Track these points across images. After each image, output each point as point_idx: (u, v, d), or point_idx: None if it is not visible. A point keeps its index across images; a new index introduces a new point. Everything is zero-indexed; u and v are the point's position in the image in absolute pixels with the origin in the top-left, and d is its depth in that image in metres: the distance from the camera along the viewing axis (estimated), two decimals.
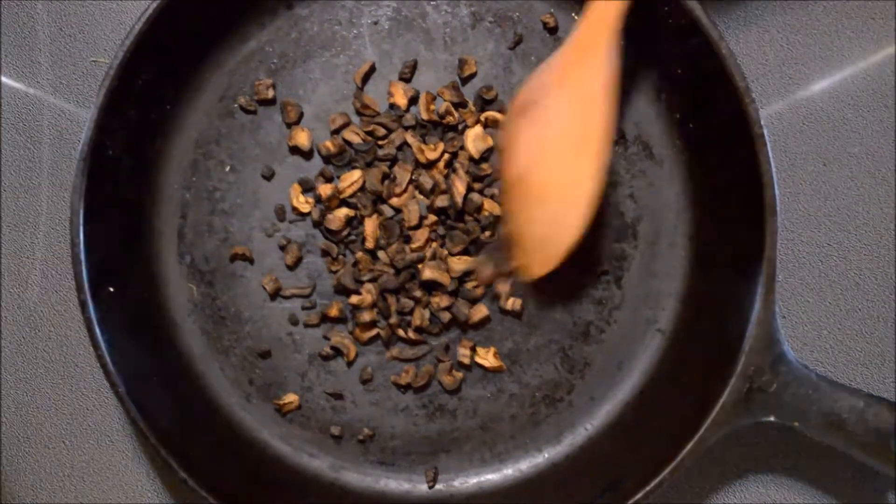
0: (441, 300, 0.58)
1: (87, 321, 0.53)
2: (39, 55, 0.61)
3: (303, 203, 0.58)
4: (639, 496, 0.52)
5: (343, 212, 0.58)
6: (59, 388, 0.60)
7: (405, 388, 0.58)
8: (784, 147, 0.60)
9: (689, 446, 0.52)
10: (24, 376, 0.60)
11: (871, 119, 0.59)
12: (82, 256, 0.53)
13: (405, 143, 0.58)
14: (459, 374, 0.58)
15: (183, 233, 0.59)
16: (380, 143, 0.59)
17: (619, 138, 0.59)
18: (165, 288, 0.59)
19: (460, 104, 0.58)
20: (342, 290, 0.58)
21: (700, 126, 0.57)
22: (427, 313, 0.58)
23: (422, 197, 0.58)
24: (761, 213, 0.52)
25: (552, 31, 0.59)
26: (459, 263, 0.57)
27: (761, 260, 0.52)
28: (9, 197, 0.61)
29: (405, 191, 0.58)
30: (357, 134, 0.58)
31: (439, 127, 0.59)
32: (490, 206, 0.58)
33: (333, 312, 0.58)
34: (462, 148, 0.58)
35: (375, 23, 0.60)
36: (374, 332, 0.58)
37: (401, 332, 0.58)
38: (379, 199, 0.58)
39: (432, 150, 0.58)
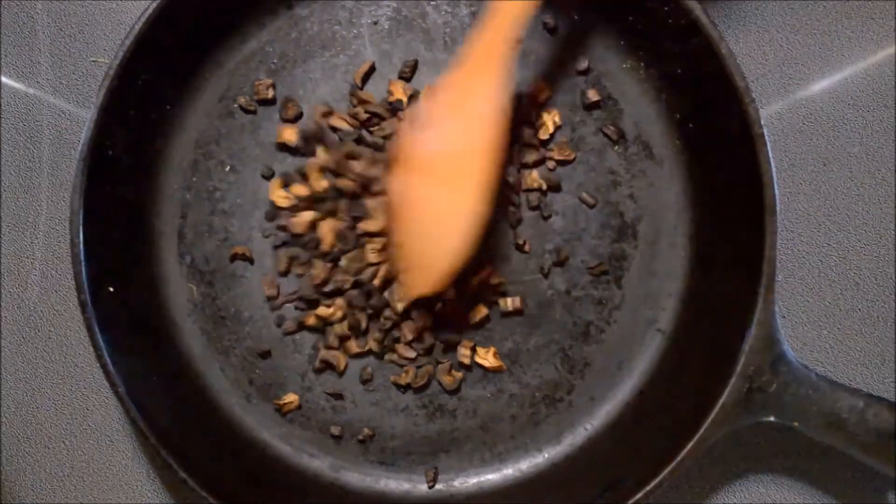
0: (422, 321, 0.57)
1: (87, 321, 0.53)
2: (39, 55, 0.61)
3: (282, 198, 0.58)
4: (639, 496, 0.52)
5: (308, 215, 0.58)
6: (59, 388, 0.60)
7: (405, 388, 0.58)
8: (784, 147, 0.60)
9: (689, 446, 0.52)
10: (24, 376, 0.60)
11: (871, 119, 0.59)
12: (82, 256, 0.53)
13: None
14: (459, 374, 0.58)
15: (183, 233, 0.59)
16: (370, 129, 0.58)
17: (620, 138, 0.59)
18: (165, 288, 0.59)
19: None
20: (306, 301, 0.58)
21: (700, 126, 0.57)
22: (412, 328, 0.57)
23: None
24: (761, 213, 0.52)
25: (552, 31, 0.59)
26: None
27: (761, 260, 0.52)
28: (9, 197, 0.61)
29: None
30: (343, 119, 0.58)
31: None
32: None
33: (311, 321, 0.58)
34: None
35: (375, 23, 0.60)
36: (363, 349, 0.58)
37: (389, 357, 0.58)
38: (352, 196, 0.57)
39: None
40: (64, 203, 0.60)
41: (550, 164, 0.58)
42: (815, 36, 0.60)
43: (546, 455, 0.58)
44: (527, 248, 0.58)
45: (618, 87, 0.59)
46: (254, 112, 0.59)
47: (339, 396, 0.59)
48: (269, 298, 0.58)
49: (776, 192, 0.52)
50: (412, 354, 0.58)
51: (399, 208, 0.53)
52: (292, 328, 0.58)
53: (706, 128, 0.56)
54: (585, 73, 0.59)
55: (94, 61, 0.61)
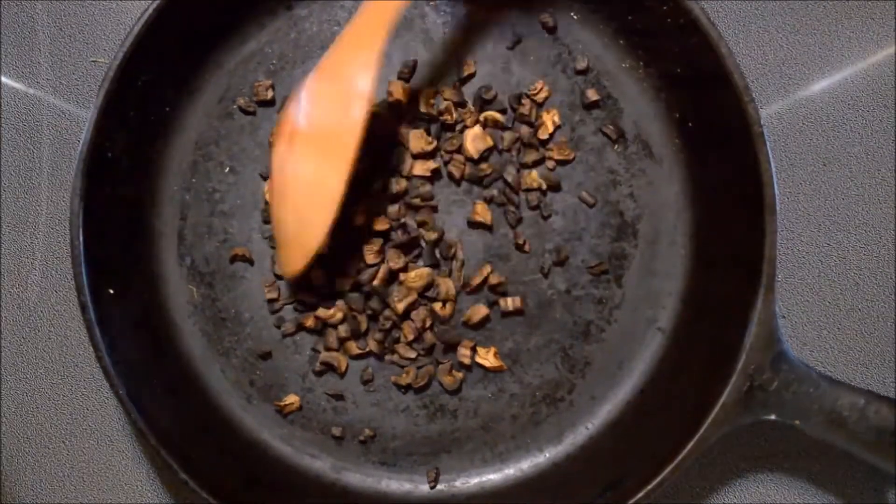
0: (422, 319, 0.58)
1: (88, 323, 0.53)
2: (39, 55, 0.61)
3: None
4: (640, 495, 0.52)
5: None
6: (59, 388, 0.60)
7: (406, 388, 0.58)
8: (784, 147, 0.60)
9: (689, 445, 0.52)
10: (24, 376, 0.60)
11: (871, 119, 0.59)
12: (82, 258, 0.53)
13: (396, 138, 0.58)
14: (460, 374, 0.58)
15: (183, 234, 0.59)
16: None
17: (619, 137, 0.59)
18: (165, 289, 0.59)
19: (460, 104, 0.58)
20: (305, 304, 0.58)
21: (699, 125, 0.57)
22: (412, 329, 0.57)
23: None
24: (761, 212, 0.52)
25: (551, 30, 0.59)
26: (417, 279, 0.57)
27: (761, 258, 0.52)
28: (9, 197, 0.61)
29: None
30: None
31: (436, 124, 0.59)
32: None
33: (310, 323, 0.58)
34: (458, 150, 0.58)
35: None
36: (363, 350, 0.58)
37: (390, 357, 0.58)
38: None
39: (429, 143, 0.58)
40: (64, 203, 0.60)
41: (550, 163, 0.59)
42: (815, 36, 0.60)
43: (547, 455, 0.58)
44: (527, 247, 0.58)
45: (617, 86, 0.59)
46: (253, 113, 0.59)
47: (339, 397, 0.58)
48: (270, 301, 0.58)
49: (776, 190, 0.52)
50: (412, 355, 0.58)
51: (273, 183, 0.55)
52: (291, 330, 0.58)
53: (705, 127, 0.56)
54: (584, 72, 0.59)
55: (94, 61, 0.61)
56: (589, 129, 0.59)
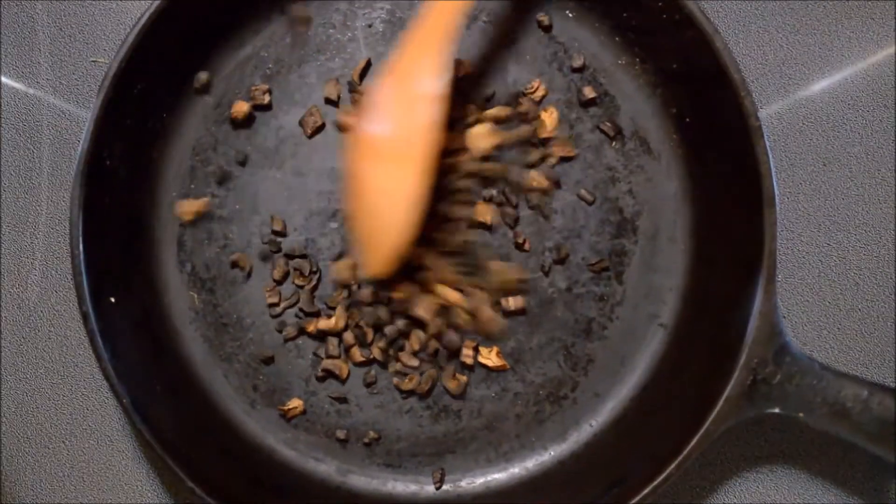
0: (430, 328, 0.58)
1: (90, 332, 0.53)
2: (39, 55, 0.61)
3: None
4: (646, 491, 0.52)
5: None
6: (59, 388, 0.60)
7: (409, 392, 0.58)
8: (784, 147, 0.60)
9: (694, 440, 0.52)
10: (24, 376, 0.60)
11: (871, 119, 0.59)
12: (83, 267, 0.53)
13: None
14: (464, 378, 0.58)
15: (182, 241, 0.59)
16: None
17: (617, 134, 0.59)
18: (166, 296, 0.59)
19: (461, 102, 0.58)
20: (305, 312, 0.58)
21: (697, 120, 0.57)
22: (419, 338, 0.57)
23: None
24: (760, 205, 0.52)
25: (546, 29, 0.59)
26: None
27: (761, 252, 0.52)
28: (9, 197, 0.61)
29: None
30: (349, 114, 0.59)
31: None
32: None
33: (311, 328, 0.58)
34: (464, 149, 0.58)
35: (370, 25, 0.60)
36: (367, 358, 0.58)
37: (393, 367, 0.58)
38: None
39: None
40: (64, 203, 0.60)
41: (552, 160, 0.58)
42: (815, 36, 0.60)
43: (552, 453, 0.58)
44: (527, 246, 0.58)
45: (613, 83, 0.59)
46: (250, 118, 0.59)
47: (343, 400, 0.58)
48: (271, 305, 0.58)
49: (774, 182, 0.52)
50: (415, 363, 0.58)
51: (352, 189, 0.54)
52: (293, 334, 0.58)
53: (703, 122, 0.56)
54: (581, 70, 0.59)
55: (94, 61, 0.61)
56: (586, 127, 0.59)
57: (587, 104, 0.59)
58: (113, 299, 0.55)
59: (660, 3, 0.54)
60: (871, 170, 0.59)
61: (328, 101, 0.59)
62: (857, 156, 0.59)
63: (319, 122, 0.59)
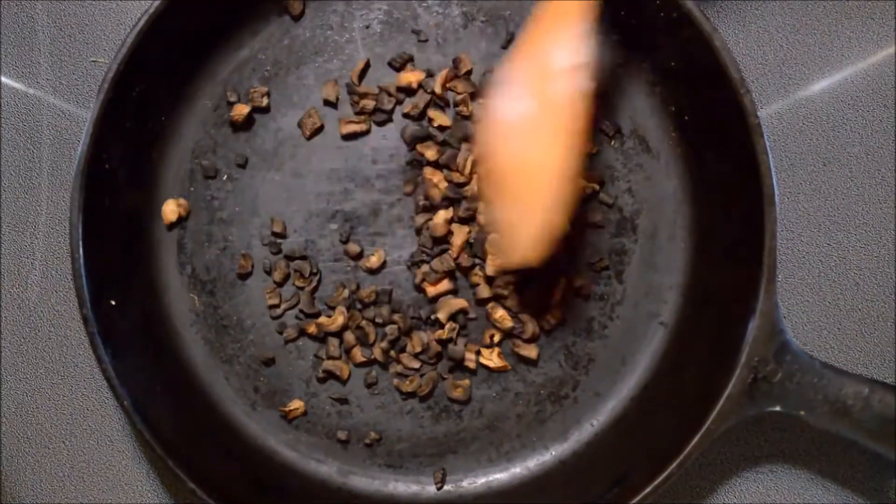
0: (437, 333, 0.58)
1: (91, 336, 0.53)
2: (39, 55, 0.61)
3: None
4: (647, 490, 0.52)
5: None
6: (59, 388, 0.60)
7: (410, 394, 0.58)
8: (784, 147, 0.60)
9: (695, 439, 0.52)
10: (24, 376, 0.60)
11: (871, 119, 0.59)
12: (83, 270, 0.53)
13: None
14: (467, 382, 0.58)
15: (182, 243, 0.59)
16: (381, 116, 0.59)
17: (615, 133, 0.59)
18: (167, 298, 0.59)
19: (477, 94, 0.58)
20: (305, 314, 0.58)
21: (696, 118, 0.57)
22: (420, 340, 0.58)
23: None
24: (760, 203, 0.52)
25: None
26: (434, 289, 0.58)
27: (762, 250, 0.52)
28: (9, 197, 0.61)
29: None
30: (353, 122, 0.59)
31: (449, 108, 0.59)
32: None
33: (311, 329, 0.58)
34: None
35: (367, 26, 0.60)
36: (368, 359, 0.58)
37: (394, 368, 0.58)
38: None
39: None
40: (64, 203, 0.60)
41: None
42: (815, 36, 0.60)
43: (553, 452, 0.58)
44: None
45: (612, 82, 0.59)
46: (249, 120, 0.59)
47: (344, 401, 0.58)
48: (271, 307, 0.58)
49: (774, 181, 0.52)
50: (416, 364, 0.58)
51: (492, 177, 0.52)
52: (293, 335, 0.58)
53: (702, 120, 0.56)
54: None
55: (94, 61, 0.61)
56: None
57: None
58: (113, 302, 0.55)
59: (658, 2, 0.54)
60: (871, 170, 0.59)
61: (327, 102, 0.59)
62: (857, 156, 0.59)
63: (318, 124, 0.59)
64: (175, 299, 0.59)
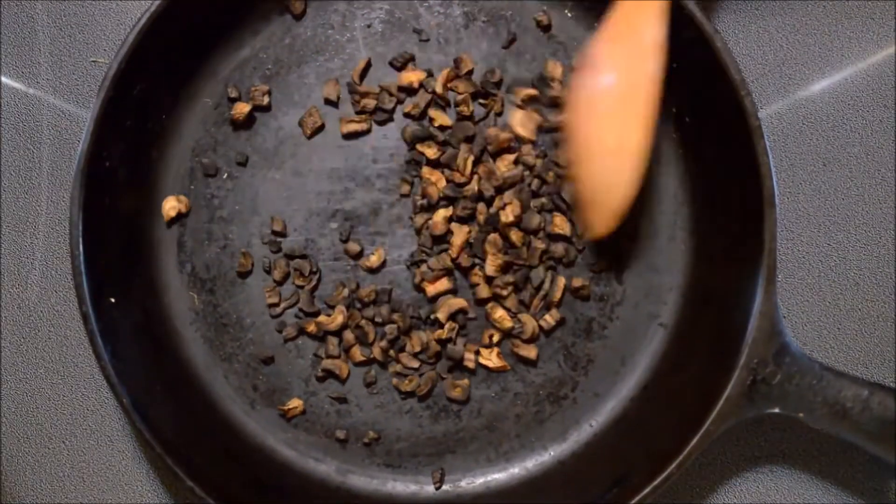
0: (438, 333, 0.58)
1: (90, 333, 0.53)
2: (39, 55, 0.61)
3: None
4: (646, 491, 0.52)
5: None
6: (59, 388, 0.60)
7: (409, 394, 0.58)
8: (784, 147, 0.60)
9: (694, 440, 0.52)
10: (24, 376, 0.60)
11: (871, 119, 0.59)
12: (83, 268, 0.53)
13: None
14: (466, 382, 0.58)
15: (182, 241, 0.59)
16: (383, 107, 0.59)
17: None
18: (166, 296, 0.59)
19: (480, 94, 0.58)
20: (305, 312, 0.59)
21: (697, 119, 0.57)
22: (420, 340, 0.57)
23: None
24: (760, 205, 0.52)
25: (545, 29, 0.59)
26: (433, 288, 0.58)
27: (761, 251, 0.52)
28: (9, 197, 0.61)
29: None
30: (354, 122, 0.59)
31: (450, 108, 0.59)
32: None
33: (311, 328, 0.58)
34: (484, 151, 0.58)
35: (369, 26, 0.60)
36: (367, 358, 0.58)
37: (393, 367, 0.58)
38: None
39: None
40: (64, 203, 0.60)
41: None
42: (815, 36, 0.60)
43: (552, 453, 0.58)
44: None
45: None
46: (250, 119, 0.59)
47: (343, 400, 0.58)
48: (271, 305, 0.58)
49: (774, 182, 0.52)
50: (416, 364, 0.58)
51: (575, 147, 0.54)
52: (293, 334, 0.58)
53: (703, 121, 0.56)
54: None
55: (94, 61, 0.61)
56: None
57: None
58: (113, 300, 0.55)
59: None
60: (871, 170, 0.59)
61: (328, 101, 0.59)
62: (857, 156, 0.59)
63: (319, 123, 0.59)
64: (175, 298, 0.59)
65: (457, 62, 0.59)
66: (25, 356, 0.60)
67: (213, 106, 0.59)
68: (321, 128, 0.59)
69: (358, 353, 0.58)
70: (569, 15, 0.59)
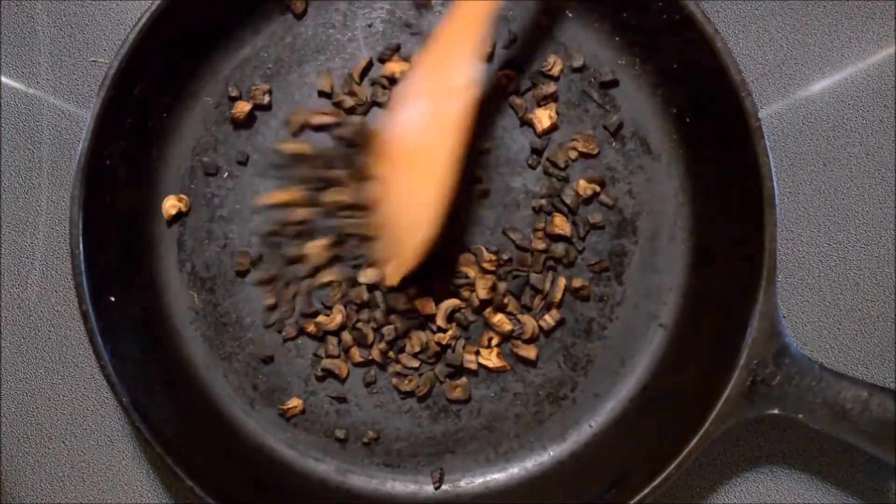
0: (437, 336, 0.58)
1: (90, 332, 0.53)
2: (39, 55, 0.61)
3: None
4: (645, 492, 0.52)
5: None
6: (59, 388, 0.60)
7: (408, 394, 0.58)
8: (784, 147, 0.60)
9: (694, 441, 0.52)
10: (24, 376, 0.60)
11: (871, 119, 0.59)
12: (83, 267, 0.53)
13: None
14: (465, 382, 0.58)
15: (182, 240, 0.59)
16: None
17: (616, 133, 0.59)
18: (166, 295, 0.59)
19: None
20: (303, 315, 0.59)
21: (697, 120, 0.57)
22: (419, 340, 0.57)
23: None
24: (760, 206, 0.52)
25: (546, 29, 0.59)
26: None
27: (762, 252, 0.52)
28: (9, 197, 0.61)
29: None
30: (325, 114, 0.59)
31: None
32: None
33: (310, 328, 0.58)
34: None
35: (370, 25, 0.60)
36: (366, 359, 0.58)
37: (393, 368, 0.58)
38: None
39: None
40: (64, 203, 0.60)
41: (573, 153, 0.58)
42: (815, 36, 0.60)
43: (551, 453, 0.58)
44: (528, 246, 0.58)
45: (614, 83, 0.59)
46: (251, 118, 0.59)
47: (342, 400, 0.58)
48: (269, 308, 0.58)
49: (774, 183, 0.52)
50: (415, 364, 0.58)
51: (378, 187, 0.54)
52: (292, 334, 0.58)
53: (703, 121, 0.56)
54: (581, 69, 0.59)
55: (94, 61, 0.61)
56: (586, 127, 0.59)
57: (587, 104, 0.59)
58: (113, 298, 0.55)
59: (660, 4, 0.54)
60: (871, 170, 0.59)
61: (321, 93, 0.59)
62: (857, 156, 0.59)
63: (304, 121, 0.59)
64: (174, 297, 0.59)
65: None
66: (25, 356, 0.60)
67: (214, 105, 0.59)
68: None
69: (357, 353, 0.58)
70: (570, 16, 0.59)
